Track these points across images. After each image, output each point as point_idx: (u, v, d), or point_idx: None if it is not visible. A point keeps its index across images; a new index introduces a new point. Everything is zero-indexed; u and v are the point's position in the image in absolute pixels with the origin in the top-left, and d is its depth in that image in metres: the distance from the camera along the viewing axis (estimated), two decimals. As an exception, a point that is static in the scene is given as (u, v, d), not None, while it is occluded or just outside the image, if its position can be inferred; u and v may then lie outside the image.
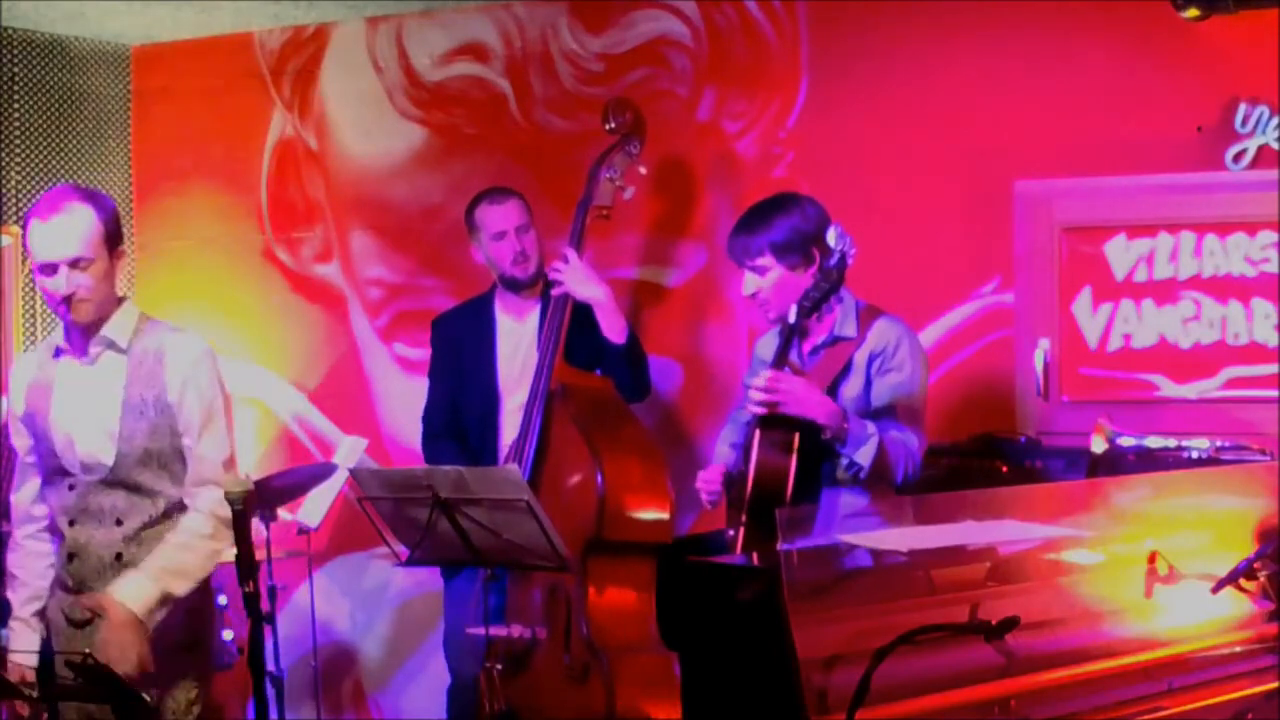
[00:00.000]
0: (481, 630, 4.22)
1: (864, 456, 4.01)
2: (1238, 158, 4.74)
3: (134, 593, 3.59)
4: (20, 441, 3.85)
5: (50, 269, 3.65)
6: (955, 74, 5.13)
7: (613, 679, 4.17)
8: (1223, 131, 4.76)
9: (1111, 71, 4.91)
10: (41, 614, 3.83)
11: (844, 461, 4.05)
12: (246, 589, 3.11)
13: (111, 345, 3.75)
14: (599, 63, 5.69)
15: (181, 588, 3.66)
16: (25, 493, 3.87)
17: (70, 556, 3.75)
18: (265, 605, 5.14)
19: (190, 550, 3.68)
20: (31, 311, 6.14)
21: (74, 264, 3.64)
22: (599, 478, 4.27)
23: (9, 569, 3.89)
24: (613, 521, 4.27)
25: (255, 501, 3.34)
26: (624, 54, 5.65)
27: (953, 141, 5.12)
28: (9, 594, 3.88)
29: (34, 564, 3.85)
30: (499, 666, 4.25)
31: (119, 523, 3.71)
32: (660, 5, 5.59)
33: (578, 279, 4.73)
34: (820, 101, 5.35)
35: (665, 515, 4.39)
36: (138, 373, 3.72)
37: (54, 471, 3.77)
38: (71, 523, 3.74)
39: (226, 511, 3.64)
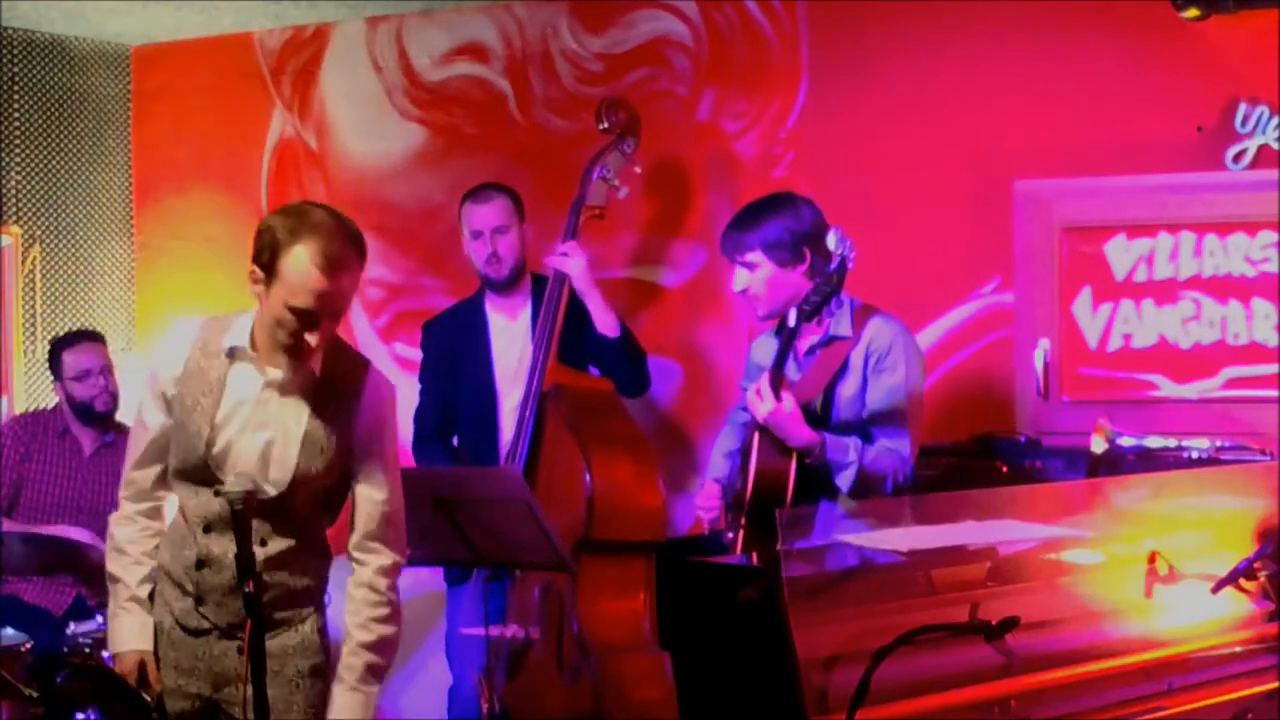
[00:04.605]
0: (476, 630, 4.22)
1: (843, 481, 4.03)
2: (1238, 158, 4.74)
3: (358, 711, 3.41)
4: (154, 418, 3.45)
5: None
6: (955, 74, 5.12)
7: (602, 679, 4.16)
8: (1223, 131, 4.76)
9: (1111, 71, 4.91)
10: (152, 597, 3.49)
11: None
12: (246, 589, 3.09)
13: (301, 367, 3.38)
14: (599, 63, 5.69)
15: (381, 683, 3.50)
16: (149, 474, 3.50)
17: (200, 563, 3.40)
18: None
19: (383, 647, 3.46)
20: (31, 311, 6.13)
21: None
22: (587, 477, 4.26)
23: (120, 545, 3.51)
24: (602, 521, 4.26)
25: (255, 501, 3.30)
26: (624, 54, 5.65)
27: (953, 141, 5.12)
28: (117, 570, 3.50)
29: (148, 542, 3.51)
30: (498, 667, 4.25)
31: (263, 543, 3.35)
32: (660, 5, 5.59)
33: (582, 266, 4.73)
34: (820, 101, 5.35)
35: (656, 514, 4.38)
36: (327, 403, 3.39)
37: (196, 473, 3.39)
38: (207, 529, 3.39)
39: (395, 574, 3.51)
